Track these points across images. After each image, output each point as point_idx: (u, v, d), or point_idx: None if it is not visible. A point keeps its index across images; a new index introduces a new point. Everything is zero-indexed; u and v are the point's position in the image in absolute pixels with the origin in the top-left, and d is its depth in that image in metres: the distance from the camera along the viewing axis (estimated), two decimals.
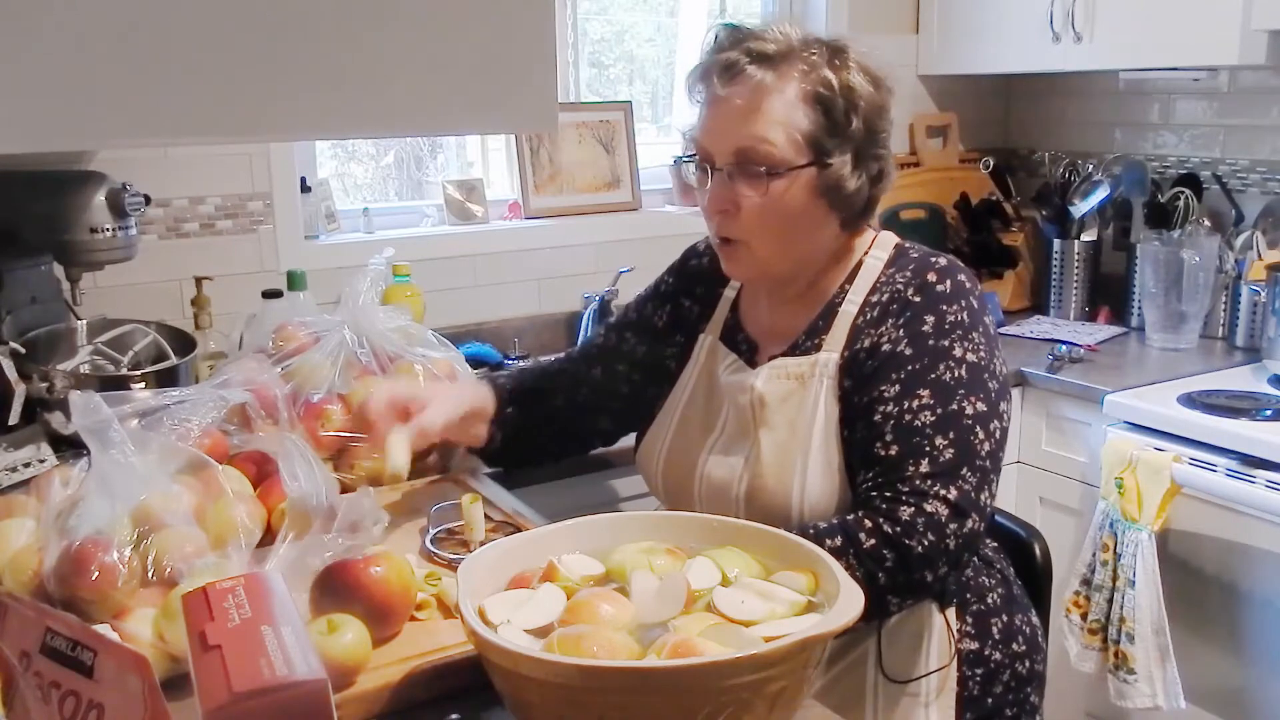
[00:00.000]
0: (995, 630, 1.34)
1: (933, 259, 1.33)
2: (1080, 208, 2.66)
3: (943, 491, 1.19)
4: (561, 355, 1.63)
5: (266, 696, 0.68)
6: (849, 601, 0.91)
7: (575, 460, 1.73)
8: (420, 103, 0.78)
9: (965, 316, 1.27)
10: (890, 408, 1.24)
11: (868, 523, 1.19)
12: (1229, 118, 2.58)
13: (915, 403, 1.23)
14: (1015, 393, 2.29)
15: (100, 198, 1.69)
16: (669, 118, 2.93)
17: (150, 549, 1.06)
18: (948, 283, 1.29)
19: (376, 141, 2.54)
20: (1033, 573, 1.50)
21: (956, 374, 1.24)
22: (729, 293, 1.47)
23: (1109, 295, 2.70)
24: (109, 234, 1.70)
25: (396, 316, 1.63)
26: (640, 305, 1.56)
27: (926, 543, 1.17)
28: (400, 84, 0.77)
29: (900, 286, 1.30)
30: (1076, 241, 2.71)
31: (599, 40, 2.82)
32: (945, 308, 1.27)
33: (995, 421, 1.24)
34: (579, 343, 1.66)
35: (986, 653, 1.32)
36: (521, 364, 2.28)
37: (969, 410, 1.22)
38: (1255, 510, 1.87)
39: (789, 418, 1.31)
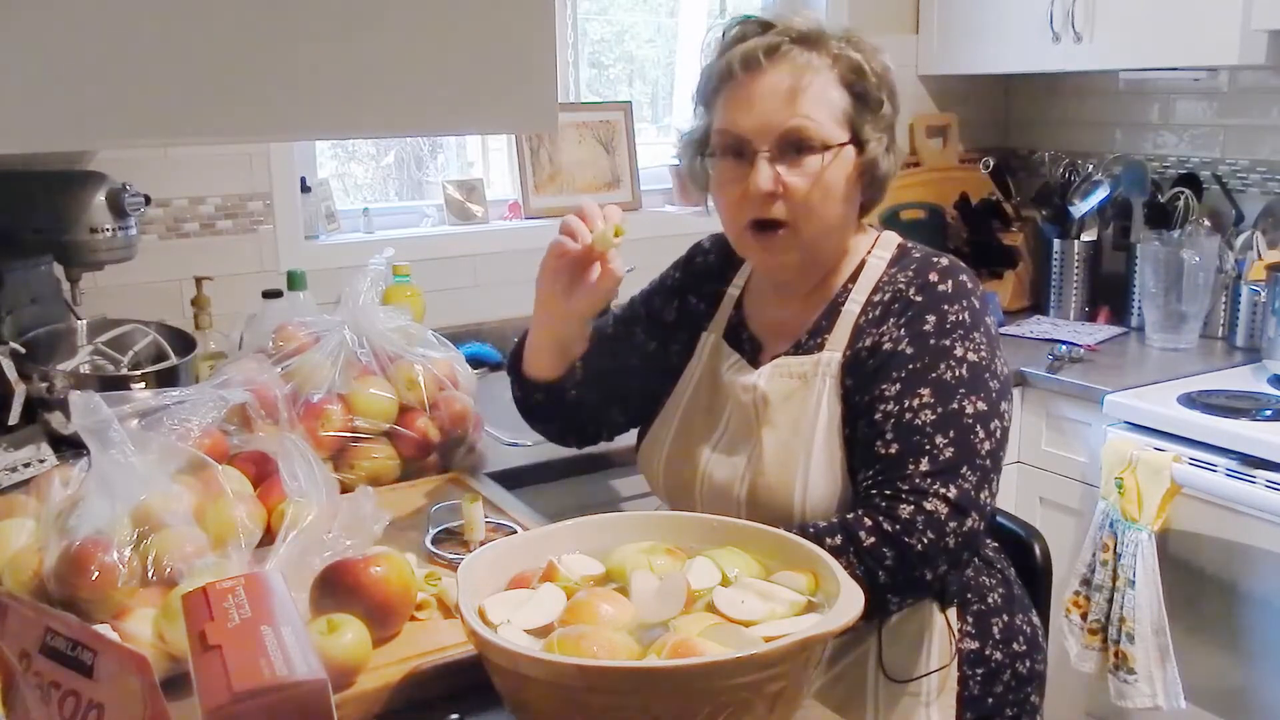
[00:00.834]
0: (996, 630, 1.34)
1: (935, 259, 1.33)
2: (1080, 208, 2.66)
3: (942, 490, 1.19)
4: None
5: (266, 696, 0.68)
6: (849, 601, 0.91)
7: (575, 460, 1.73)
8: (420, 103, 0.78)
9: (966, 316, 1.27)
10: (891, 406, 1.24)
11: (868, 521, 1.19)
12: (1229, 118, 2.58)
13: (916, 401, 1.23)
14: (1015, 393, 2.28)
15: (100, 198, 1.69)
16: (669, 118, 2.93)
17: (150, 549, 1.06)
18: (949, 283, 1.29)
19: (377, 141, 2.54)
20: (1033, 573, 1.50)
21: (957, 373, 1.24)
22: (733, 291, 1.47)
23: (1109, 295, 2.70)
24: (109, 234, 1.70)
25: (396, 316, 1.63)
26: (647, 299, 1.55)
27: (926, 541, 1.17)
28: (400, 84, 0.77)
29: (902, 286, 1.30)
30: (1076, 241, 2.71)
31: (599, 40, 2.82)
32: (947, 307, 1.27)
33: (996, 421, 1.24)
34: None
35: (987, 652, 1.32)
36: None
37: (969, 409, 1.22)
38: (1255, 510, 1.87)
39: (792, 417, 1.31)
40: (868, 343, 1.29)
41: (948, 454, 1.20)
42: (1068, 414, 2.24)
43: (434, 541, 1.32)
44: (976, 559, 1.37)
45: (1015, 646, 1.35)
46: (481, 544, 1.25)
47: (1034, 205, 2.81)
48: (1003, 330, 2.57)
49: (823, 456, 1.28)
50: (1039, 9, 2.53)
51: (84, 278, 1.78)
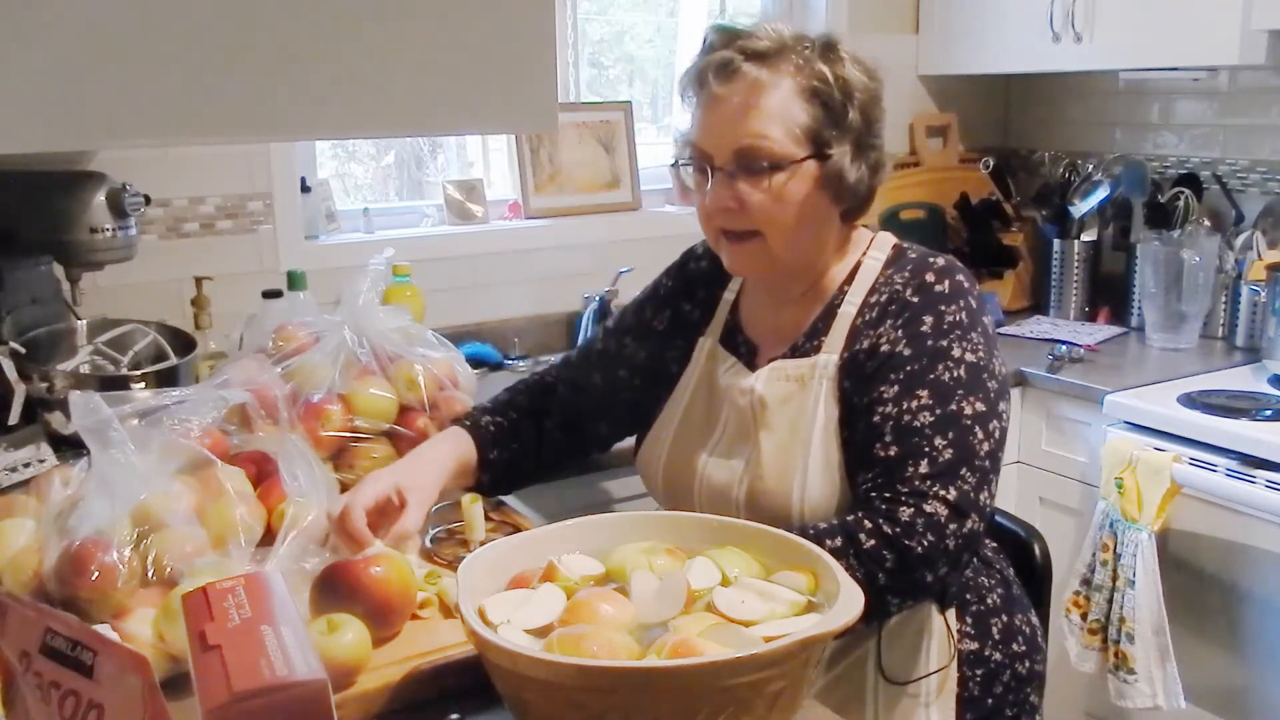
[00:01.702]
0: (995, 630, 1.34)
1: (931, 259, 1.33)
2: (1080, 208, 2.66)
3: (942, 492, 1.19)
4: (558, 362, 1.61)
5: (266, 696, 0.68)
6: (849, 601, 0.91)
7: None
8: (420, 103, 0.78)
9: (964, 317, 1.27)
10: (889, 408, 1.24)
11: (867, 523, 1.19)
12: (1229, 118, 2.58)
13: (914, 403, 1.23)
14: (1015, 393, 2.29)
15: (100, 198, 1.69)
16: (669, 118, 2.93)
17: (150, 549, 1.06)
18: (946, 283, 1.29)
19: (377, 141, 2.54)
20: (1033, 573, 1.50)
21: (955, 374, 1.24)
22: (728, 295, 1.47)
23: (1109, 295, 2.70)
24: (109, 234, 1.70)
25: (396, 316, 1.63)
26: (639, 309, 1.55)
27: (926, 543, 1.17)
28: (400, 84, 0.77)
29: (899, 287, 1.30)
30: (1076, 241, 2.71)
31: (599, 40, 2.82)
32: (944, 308, 1.27)
33: (994, 421, 1.24)
34: (578, 344, 1.63)
35: (986, 653, 1.32)
36: (519, 371, 2.27)
37: (968, 410, 1.22)
38: (1255, 510, 1.87)
39: (789, 419, 1.31)
40: (865, 345, 1.29)
41: (947, 455, 1.20)
42: (1068, 414, 2.24)
43: (434, 541, 1.32)
44: (976, 559, 1.37)
45: (1015, 647, 1.35)
46: (481, 544, 1.25)
47: (1034, 205, 2.81)
48: (1003, 330, 2.57)
49: (820, 459, 1.28)
50: (1039, 9, 2.53)
51: (84, 278, 1.78)
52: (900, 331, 1.27)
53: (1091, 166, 2.72)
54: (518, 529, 1.34)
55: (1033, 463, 2.32)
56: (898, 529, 1.17)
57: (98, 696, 0.71)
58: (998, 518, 1.54)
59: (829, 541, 1.17)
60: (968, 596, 1.34)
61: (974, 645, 1.32)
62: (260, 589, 0.79)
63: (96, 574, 1.03)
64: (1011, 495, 2.34)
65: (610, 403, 1.52)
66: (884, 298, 1.31)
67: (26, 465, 1.45)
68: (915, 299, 1.28)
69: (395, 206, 2.53)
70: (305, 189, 2.25)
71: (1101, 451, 2.07)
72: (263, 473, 1.31)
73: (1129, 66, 2.56)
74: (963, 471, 1.20)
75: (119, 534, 1.06)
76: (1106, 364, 2.34)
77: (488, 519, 1.36)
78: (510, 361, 2.33)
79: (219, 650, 0.71)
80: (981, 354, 1.26)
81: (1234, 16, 2.17)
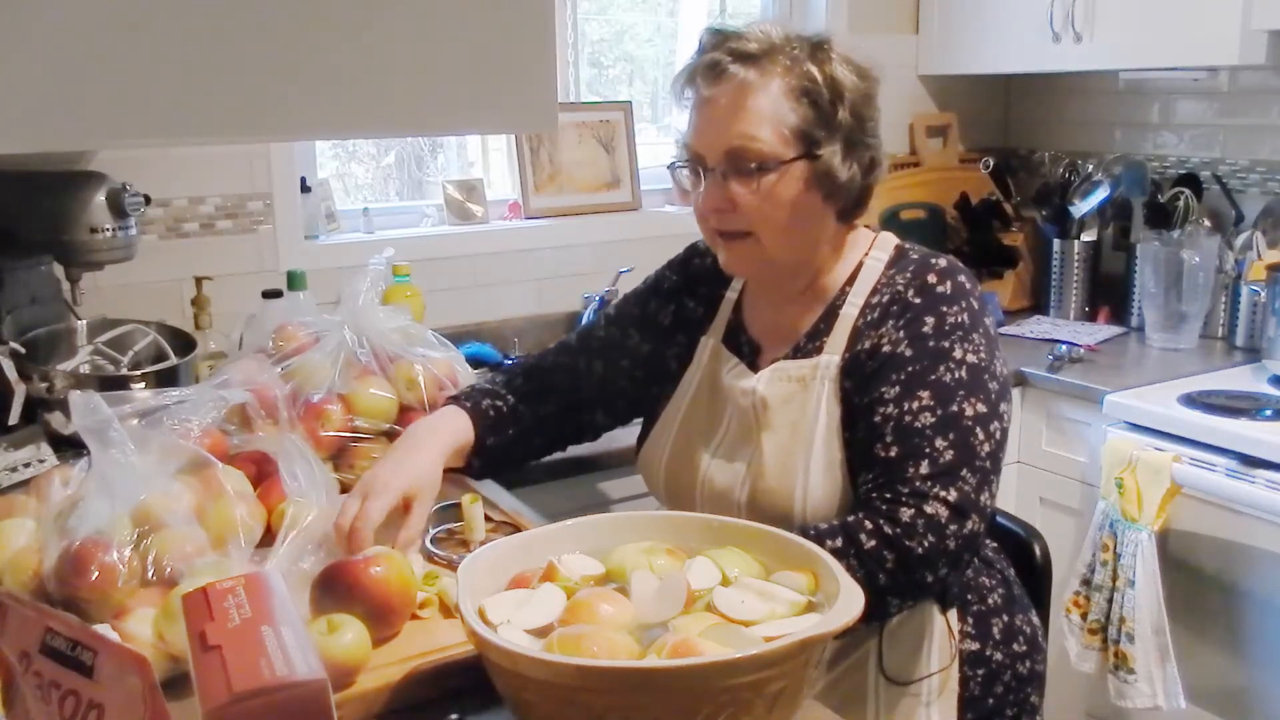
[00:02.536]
0: (996, 630, 1.34)
1: (933, 260, 1.33)
2: (1080, 208, 2.66)
3: (943, 493, 1.19)
4: (556, 347, 1.59)
5: (266, 696, 0.68)
6: (849, 602, 0.91)
7: (575, 460, 1.73)
8: (420, 103, 0.78)
9: (965, 318, 1.27)
10: (890, 409, 1.24)
11: (868, 524, 1.19)
12: (1229, 118, 2.58)
13: (915, 404, 1.23)
14: (1015, 393, 2.28)
15: (100, 198, 1.69)
16: (669, 118, 2.92)
17: (150, 549, 1.06)
18: (948, 284, 1.29)
19: (377, 141, 2.54)
20: (1033, 573, 1.50)
21: (957, 375, 1.24)
22: (730, 295, 1.47)
23: (1109, 295, 2.70)
24: (109, 234, 1.70)
25: (396, 316, 1.63)
26: (643, 301, 1.55)
27: (927, 544, 1.17)
28: (400, 84, 0.77)
29: (900, 288, 1.30)
30: (1076, 241, 2.71)
31: (598, 40, 2.82)
32: (945, 309, 1.27)
33: (995, 422, 1.24)
34: (574, 333, 1.61)
35: (987, 653, 1.32)
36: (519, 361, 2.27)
37: (969, 411, 1.22)
38: (1255, 510, 1.87)
39: (791, 420, 1.31)
40: (866, 345, 1.29)
41: (948, 456, 1.20)
42: (1068, 414, 2.24)
43: (434, 541, 1.32)
44: (976, 559, 1.37)
45: (1015, 647, 1.35)
46: (481, 544, 1.25)
47: (1034, 205, 2.81)
48: (1003, 330, 2.57)
49: (822, 459, 1.28)
50: (1039, 9, 2.53)
51: (84, 278, 1.78)
52: (902, 332, 1.27)
53: (1091, 166, 2.72)
54: (518, 529, 1.34)
55: (1033, 463, 2.32)
56: (898, 529, 1.17)
57: (98, 696, 0.71)
58: (998, 518, 1.54)
59: (829, 542, 1.17)
60: (969, 597, 1.34)
61: (975, 645, 1.32)
62: (260, 589, 0.79)
63: (96, 574, 1.03)
64: (1011, 495, 2.34)
65: (609, 391, 1.52)
66: (886, 298, 1.31)
67: (26, 465, 1.45)
68: (917, 300, 1.28)
69: (395, 206, 2.53)
70: (305, 189, 2.25)
71: (1101, 451, 2.07)
72: (263, 473, 1.31)
73: (1129, 66, 2.56)
74: (963, 472, 1.20)
75: (119, 534, 1.06)
76: (1106, 364, 2.34)
77: (487, 519, 1.36)
78: (510, 361, 2.33)
79: (219, 650, 0.71)
80: (983, 355, 1.26)
81: (1234, 16, 2.17)
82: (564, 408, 1.53)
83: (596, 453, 1.71)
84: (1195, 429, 1.96)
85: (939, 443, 1.21)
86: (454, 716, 0.96)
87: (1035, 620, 1.41)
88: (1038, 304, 2.84)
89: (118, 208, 1.70)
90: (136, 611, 1.02)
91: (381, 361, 1.57)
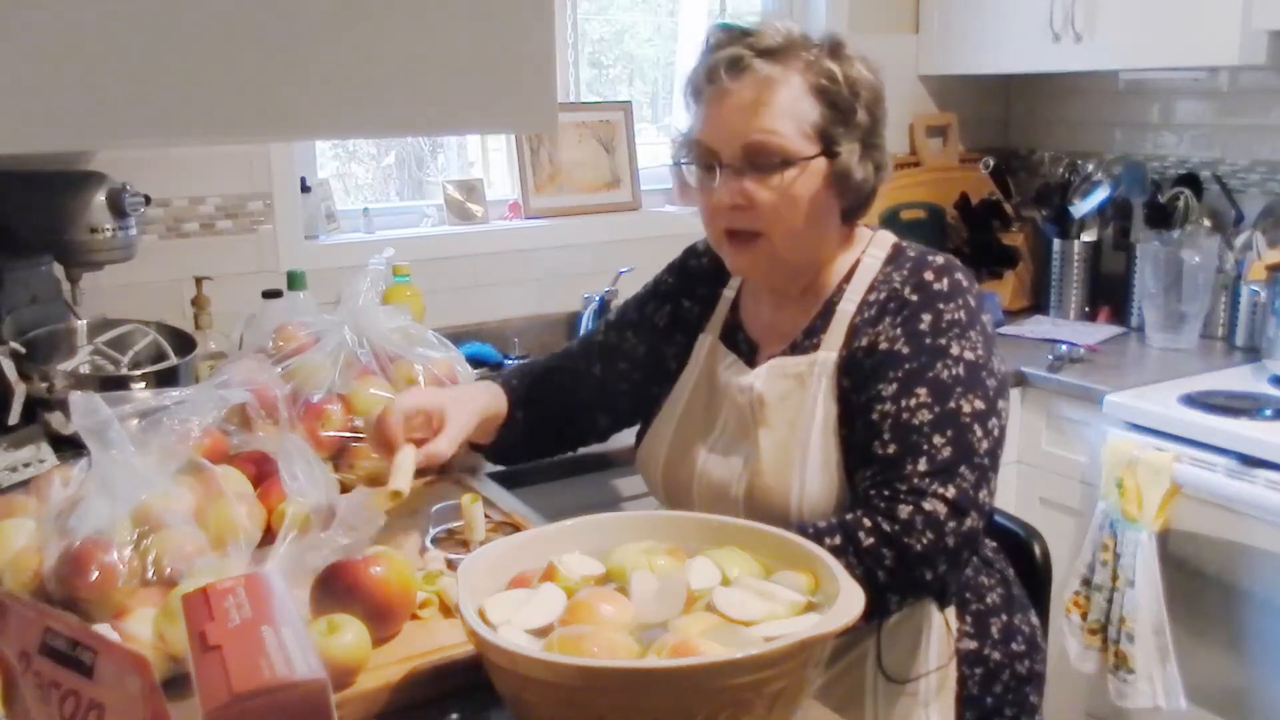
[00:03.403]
0: (995, 630, 1.34)
1: (930, 257, 1.33)
2: (1080, 208, 2.66)
3: (941, 490, 1.19)
4: (559, 352, 1.62)
5: (266, 696, 0.68)
6: (849, 601, 0.91)
7: (575, 460, 1.73)
8: (420, 103, 0.78)
9: (962, 315, 1.27)
10: (888, 406, 1.24)
11: (867, 521, 1.19)
12: (1229, 118, 2.58)
13: (913, 401, 1.23)
14: (1015, 393, 2.29)
15: (100, 198, 1.69)
16: (669, 118, 2.93)
17: (150, 549, 1.06)
18: (945, 281, 1.29)
19: (377, 141, 2.54)
20: (1033, 573, 1.50)
21: (954, 372, 1.24)
22: (728, 293, 1.47)
23: (1109, 295, 2.70)
24: (109, 234, 1.70)
25: (396, 316, 1.63)
26: (640, 304, 1.56)
27: (925, 541, 1.17)
28: (400, 84, 0.77)
29: (898, 285, 1.30)
30: (1076, 241, 2.71)
31: (599, 40, 2.82)
32: (942, 306, 1.27)
33: (993, 419, 1.24)
34: (577, 339, 1.64)
35: (986, 652, 1.32)
36: (520, 362, 2.27)
37: (967, 408, 1.22)
38: (1255, 510, 1.87)
39: (788, 417, 1.31)
40: (864, 342, 1.29)
41: (946, 453, 1.20)
42: (1068, 414, 2.24)
43: (434, 541, 1.32)
44: (975, 559, 1.37)
45: (1014, 646, 1.35)
46: (481, 544, 1.25)
47: (1034, 205, 2.81)
48: (1003, 330, 2.57)
49: (819, 457, 1.28)
50: (1039, 9, 2.53)
51: (84, 278, 1.78)
52: (899, 329, 1.27)
53: (1091, 166, 2.72)
54: (518, 529, 1.34)
55: (1033, 463, 2.32)
56: (897, 527, 1.18)
57: (98, 696, 0.71)
58: (997, 518, 1.54)
59: (828, 539, 1.17)
60: (967, 595, 1.34)
61: (973, 644, 1.32)
62: (260, 589, 0.79)
63: (96, 574, 1.03)
64: (1011, 495, 2.34)
65: (609, 394, 1.53)
66: (883, 295, 1.31)
67: (26, 465, 1.45)
68: (914, 297, 1.29)
69: (395, 206, 2.53)
70: (305, 189, 2.25)
71: (1101, 451, 2.07)
72: (263, 473, 1.31)
73: (1129, 66, 2.56)
74: (961, 469, 1.20)
75: (119, 534, 1.06)
76: (1106, 364, 2.34)
77: (487, 519, 1.36)
78: (510, 361, 2.33)
79: (219, 650, 0.71)
80: (980, 352, 1.26)
81: (1234, 16, 2.17)
82: (564, 410, 1.54)
83: (597, 453, 1.72)
84: (1195, 429, 1.96)
85: (937, 440, 1.21)
86: (454, 716, 0.97)
87: (1034, 620, 1.41)
88: (1038, 304, 2.84)
89: (118, 208, 1.70)
90: (136, 612, 1.02)
91: (381, 361, 1.57)
